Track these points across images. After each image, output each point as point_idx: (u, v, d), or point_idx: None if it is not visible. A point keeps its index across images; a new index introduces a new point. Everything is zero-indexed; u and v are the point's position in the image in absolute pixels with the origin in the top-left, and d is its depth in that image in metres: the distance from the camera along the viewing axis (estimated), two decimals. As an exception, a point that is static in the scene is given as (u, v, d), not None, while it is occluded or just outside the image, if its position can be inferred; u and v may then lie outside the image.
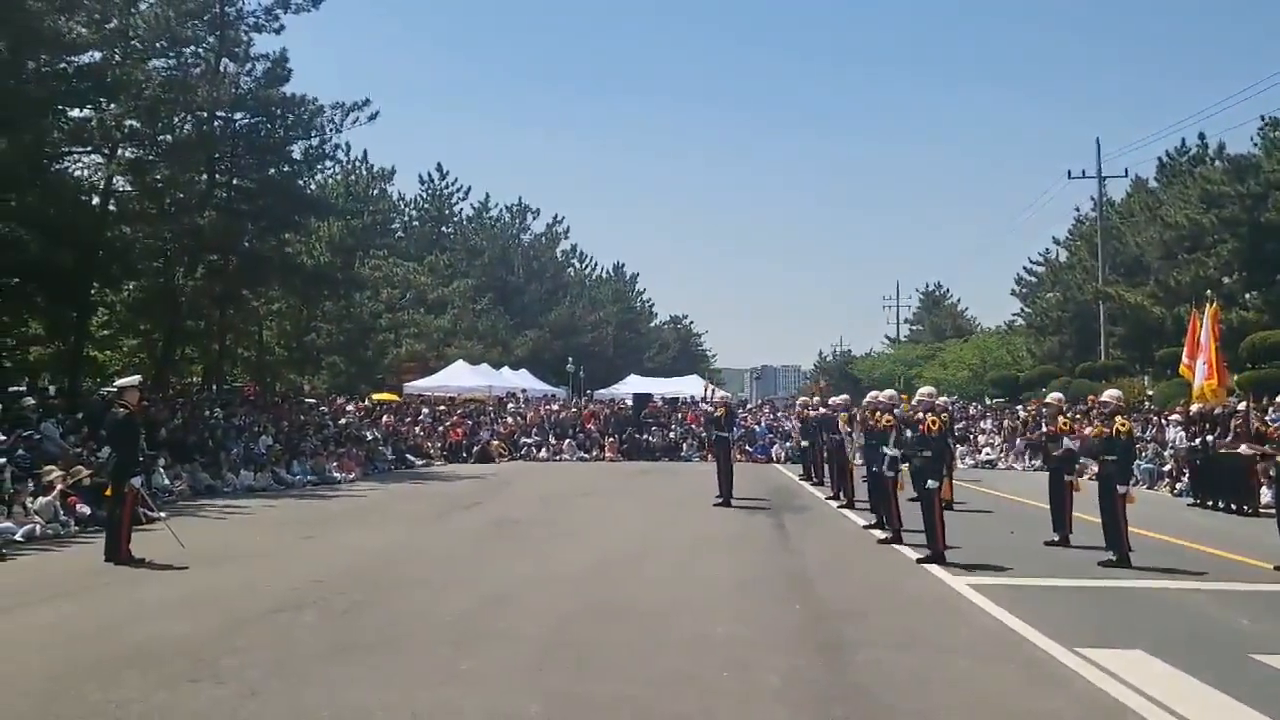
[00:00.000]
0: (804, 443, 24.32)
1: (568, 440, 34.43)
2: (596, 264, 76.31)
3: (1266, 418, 21.02)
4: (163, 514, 14.48)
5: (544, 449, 33.88)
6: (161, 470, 19.02)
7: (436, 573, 11.11)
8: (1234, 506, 18.32)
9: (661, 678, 6.83)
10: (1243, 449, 17.71)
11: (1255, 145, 36.52)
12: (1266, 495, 16.87)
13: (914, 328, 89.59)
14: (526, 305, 61.90)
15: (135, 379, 12.96)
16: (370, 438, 29.24)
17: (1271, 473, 12.10)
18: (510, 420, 36.10)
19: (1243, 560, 12.16)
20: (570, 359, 53.16)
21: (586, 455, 33.79)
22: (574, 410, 38.55)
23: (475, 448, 32.47)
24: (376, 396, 37.89)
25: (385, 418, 33.05)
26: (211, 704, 6.21)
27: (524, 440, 34.40)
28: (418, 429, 33.19)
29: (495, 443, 33.18)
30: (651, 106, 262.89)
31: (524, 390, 42.73)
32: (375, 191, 48.69)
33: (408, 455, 29.94)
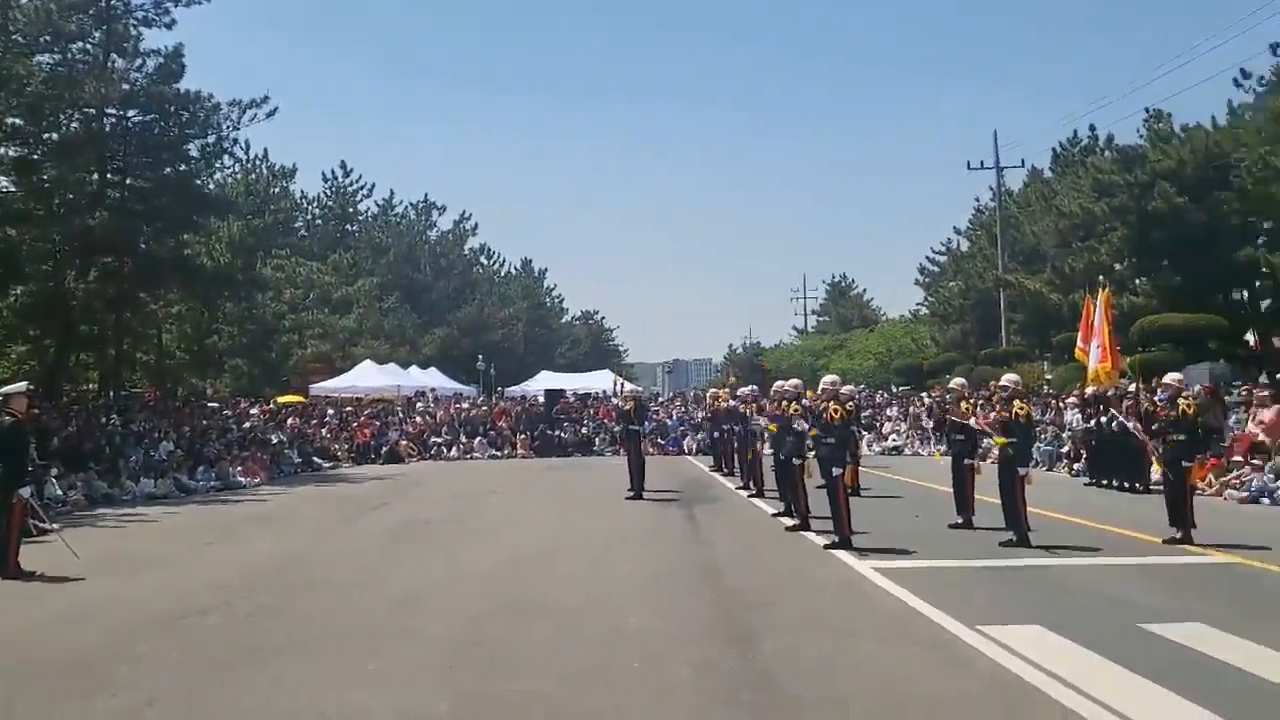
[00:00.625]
0: (715, 434, 24.50)
1: (479, 439, 34.20)
2: (505, 260, 75.97)
3: (1155, 398, 21.75)
4: (55, 525, 13.98)
5: (454, 448, 33.59)
6: (54, 480, 18.40)
7: (344, 575, 10.94)
8: (1127, 484, 19.00)
9: (574, 674, 6.82)
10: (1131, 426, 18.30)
11: (1141, 136, 37.81)
12: (1156, 473, 17.49)
13: (821, 319, 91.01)
14: (434, 303, 61.26)
15: (22, 385, 12.48)
16: (275, 441, 28.67)
17: (1160, 451, 12.54)
18: (419, 420, 35.71)
19: (1134, 535, 12.61)
20: (480, 356, 52.77)
21: (498, 453, 33.60)
22: (485, 408, 38.30)
23: (384, 448, 32.06)
24: (281, 399, 37.13)
25: (291, 420, 32.44)
26: (108, 716, 6.03)
27: (434, 440, 34.06)
28: (324, 431, 32.64)
29: (404, 443, 32.81)
30: (557, 100, 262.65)
31: (433, 389, 42.29)
32: (276, 190, 47.70)
33: (314, 458, 29.43)
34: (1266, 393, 20.46)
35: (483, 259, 71.29)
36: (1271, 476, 16.86)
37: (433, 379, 45.18)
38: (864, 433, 29.68)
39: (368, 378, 41.13)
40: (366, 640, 7.81)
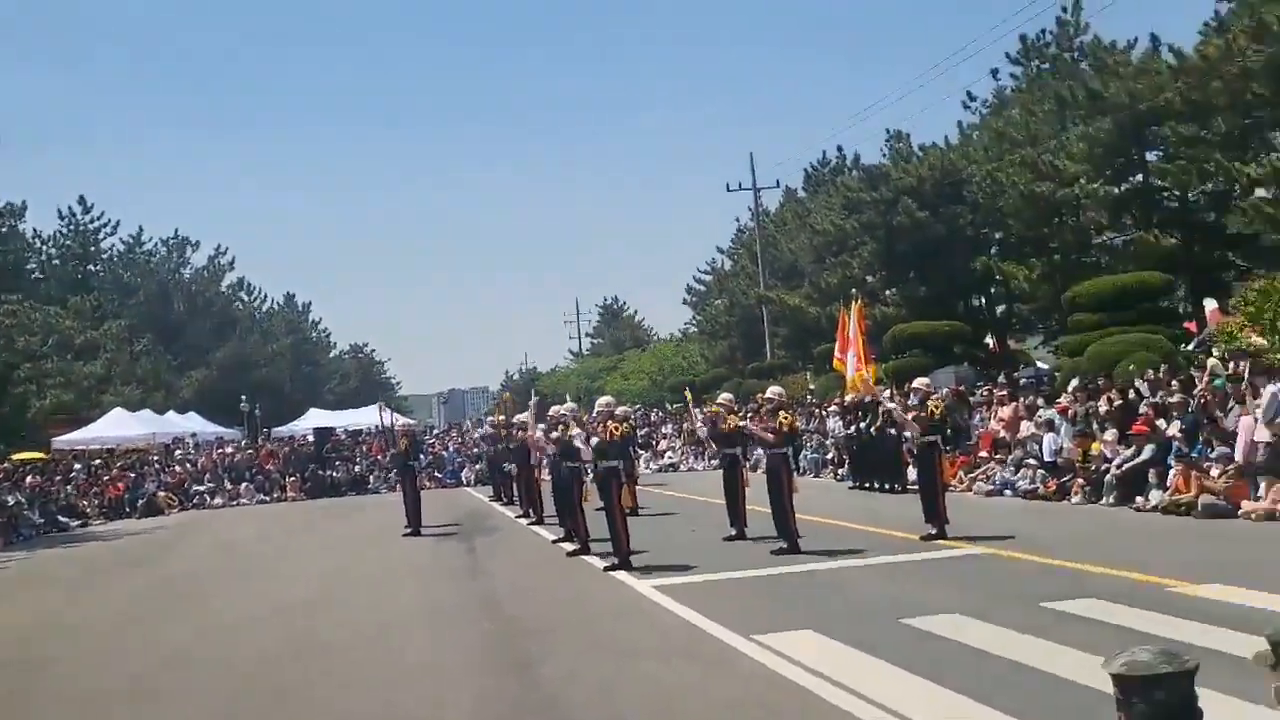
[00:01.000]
0: (508, 465, 24.04)
1: (245, 484, 32.57)
2: (267, 296, 72.83)
3: (907, 402, 23.07)
4: None
5: (219, 495, 31.85)
6: None
7: (100, 639, 10.16)
8: (887, 486, 20.03)
9: (351, 715, 6.57)
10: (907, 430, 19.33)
11: (884, 156, 40.25)
12: (913, 474, 18.52)
13: (595, 341, 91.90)
14: (191, 344, 58.06)
15: None
16: (13, 502, 26.32)
17: (914, 453, 13.30)
18: (179, 468, 33.68)
19: (895, 534, 13.26)
20: (244, 397, 50.30)
21: (267, 498, 32.10)
22: (250, 451, 36.54)
23: (140, 501, 30.02)
24: (18, 456, 34.13)
25: (30, 478, 29.87)
26: None
27: (196, 488, 32.18)
28: (70, 487, 30.23)
29: (163, 494, 30.82)
30: (314, 128, 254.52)
31: (194, 434, 40.00)
32: (4, 230, 44.06)
33: (59, 517, 27.22)
34: (1005, 392, 22.06)
35: (242, 295, 68.18)
36: (1012, 470, 18.14)
37: (193, 424, 42.73)
38: (641, 451, 30.11)
39: (119, 426, 38.42)
40: (131, 704, 7.26)
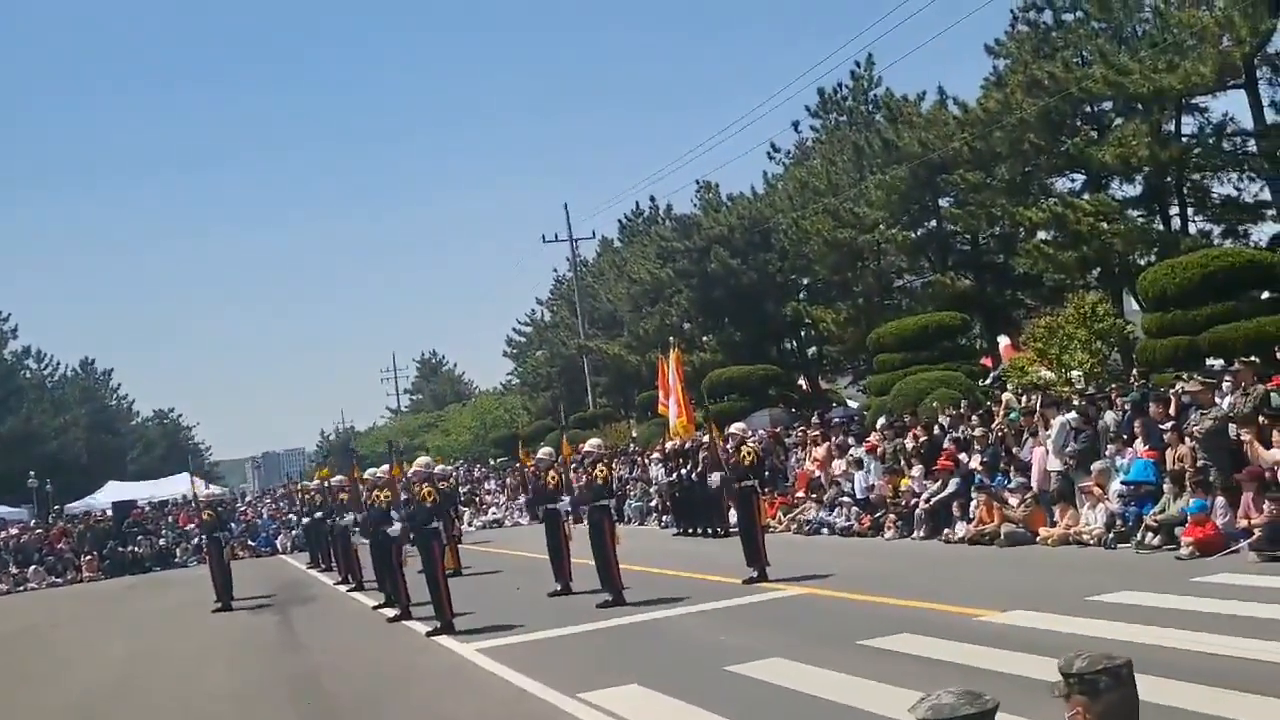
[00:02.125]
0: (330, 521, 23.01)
1: (34, 566, 30.25)
2: (59, 363, 68.44)
3: (727, 445, 23.49)
4: None
5: (2, 581, 29.46)
6: None
7: None
8: (710, 530, 20.26)
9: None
10: (711, 479, 19.60)
11: (695, 205, 41.26)
12: (734, 517, 18.82)
13: (414, 397, 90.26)
14: (-29, 417, 53.95)
15: None
16: None
17: (735, 497, 13.50)
18: (-41, 552, 31.04)
19: (718, 579, 13.37)
20: (32, 473, 46.92)
21: (60, 580, 29.88)
22: (40, 531, 34.05)
23: (-86, 591, 27.52)
24: None
25: None
26: None
27: (-21, 573, 29.70)
28: None
29: (-60, 581, 28.33)
30: (102, 186, 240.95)
31: (-24, 515, 37.07)
32: None
33: None
34: (818, 432, 22.71)
35: (29, 363, 63.90)
36: (827, 508, 18.64)
37: (-26, 504, 39.63)
38: (464, 509, 29.59)
39: (-112, 511, 35.31)
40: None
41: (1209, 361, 17.64)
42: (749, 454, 13.38)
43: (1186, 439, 12.49)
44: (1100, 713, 2.83)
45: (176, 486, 42.82)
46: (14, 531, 33.55)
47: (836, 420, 25.06)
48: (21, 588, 28.95)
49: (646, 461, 28.03)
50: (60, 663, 13.66)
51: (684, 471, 21.63)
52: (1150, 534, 11.95)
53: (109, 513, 35.68)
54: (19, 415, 55.63)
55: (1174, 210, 25.07)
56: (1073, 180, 26.89)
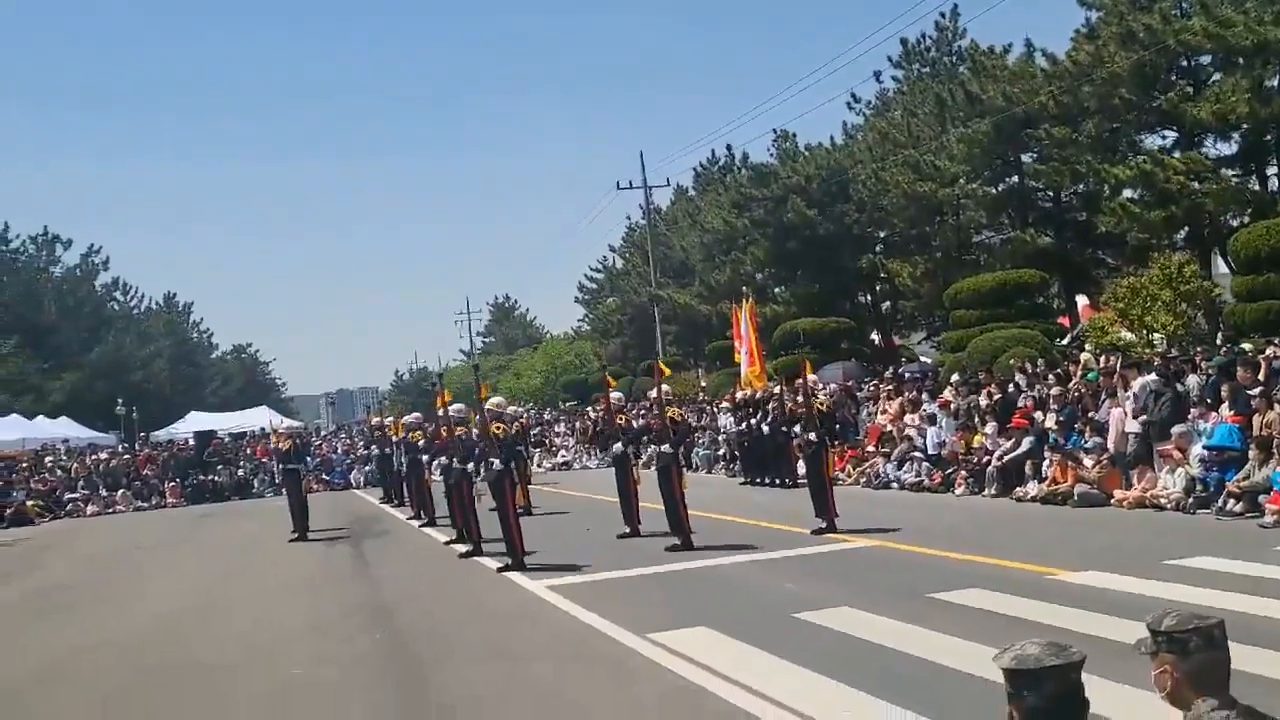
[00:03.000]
0: (403, 464, 23.38)
1: (122, 490, 31.33)
2: (145, 295, 70.27)
3: (797, 398, 23.42)
4: None
5: (93, 503, 30.59)
6: None
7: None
8: (778, 480, 20.28)
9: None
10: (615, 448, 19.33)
11: (771, 155, 40.80)
12: (803, 469, 18.80)
13: (487, 339, 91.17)
14: (62, 346, 55.63)
15: None
16: None
17: (804, 449, 13.48)
18: (50, 475, 32.24)
19: (785, 529, 13.41)
20: (120, 400, 48.45)
21: (145, 505, 30.92)
22: (127, 456, 35.19)
23: (7, 510, 28.64)
24: (-126, 465, 32.33)
25: (-113, 488, 28.31)
26: None
27: (69, 496, 30.85)
28: (-69, 498, 28.70)
29: (31, 503, 29.45)
30: (192, 122, 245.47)
31: (65, 440, 38.39)
32: None
33: (-81, 530, 25.81)
34: (890, 387, 22.54)
35: (118, 295, 65.68)
36: (896, 463, 18.53)
37: (65, 429, 41.03)
38: (534, 451, 29.92)
39: (-16, 432, 36.69)
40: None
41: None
42: (822, 405, 13.29)
43: (1276, 405, 12.16)
44: (1188, 673, 2.77)
45: (254, 419, 43.95)
46: (104, 456, 34.73)
47: (909, 375, 24.84)
48: (110, 510, 30.04)
49: (715, 410, 28.07)
50: (146, 584, 14.17)
51: (753, 421, 21.62)
52: (1232, 500, 11.70)
53: (191, 442, 36.73)
54: (108, 344, 57.32)
55: (1271, 170, 24.22)
56: (1163, 137, 26.09)
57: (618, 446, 14.21)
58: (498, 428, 12.20)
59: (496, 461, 12.02)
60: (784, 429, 18.17)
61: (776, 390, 20.30)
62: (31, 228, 75.54)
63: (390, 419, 23.77)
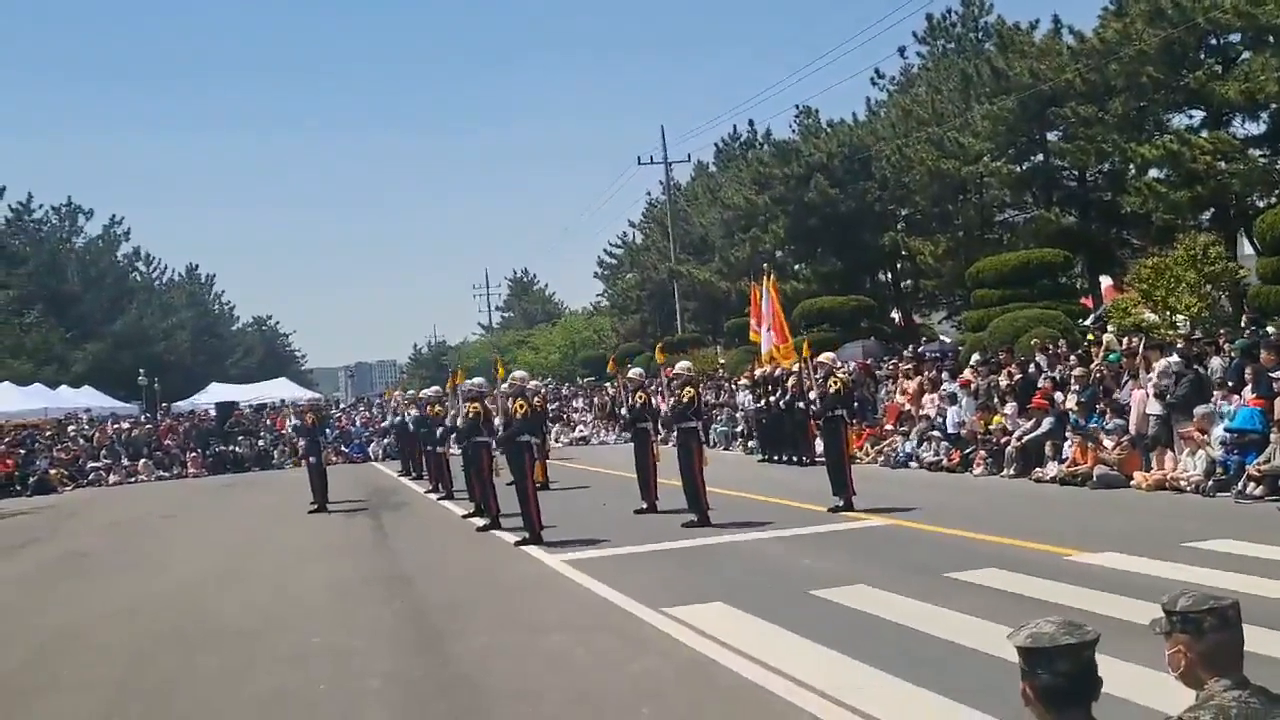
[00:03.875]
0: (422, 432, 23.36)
1: (143, 460, 31.63)
2: (167, 267, 70.70)
3: (815, 376, 23.37)
4: None
5: (115, 472, 30.90)
6: None
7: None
8: (795, 458, 20.28)
9: (253, 701, 6.44)
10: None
11: (794, 131, 40.54)
12: (820, 446, 18.79)
13: (505, 314, 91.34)
14: (85, 315, 56.09)
15: None
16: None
17: (821, 426, 13.47)
18: (73, 444, 32.57)
19: (802, 506, 13.42)
20: (142, 371, 48.84)
21: (167, 474, 31.23)
22: (149, 426, 35.50)
23: (31, 478, 28.97)
24: (-99, 431, 32.73)
25: (-86, 455, 28.66)
26: None
27: (91, 465, 31.17)
28: (-44, 464, 29.04)
29: (55, 471, 29.77)
30: (213, 94, 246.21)
31: (88, 409, 38.74)
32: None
33: (-54, 495, 26.15)
34: (910, 366, 22.46)
35: (140, 266, 66.10)
36: (915, 442, 18.50)
37: (87, 398, 41.40)
38: (552, 426, 30.02)
39: (9, 401, 37.00)
40: (10, 697, 6.97)
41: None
42: (839, 383, 13.26)
43: (1299, 389, 12.08)
44: (1202, 653, 2.78)
45: (275, 391, 44.23)
46: (126, 425, 35.04)
47: (929, 354, 24.74)
48: (132, 479, 30.36)
49: (734, 387, 28.05)
50: (169, 551, 14.34)
51: (771, 399, 21.59)
52: (1253, 484, 11.64)
53: (212, 413, 37.00)
54: (130, 315, 57.72)
55: (1300, 150, 23.89)
56: (1191, 116, 25.73)
57: (636, 421, 14.20)
58: (519, 404, 12.22)
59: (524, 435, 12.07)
60: (801, 405, 18.16)
61: (797, 368, 20.25)
62: (55, 198, 75.98)
63: (411, 392, 23.78)
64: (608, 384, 39.58)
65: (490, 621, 8.13)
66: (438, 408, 18.22)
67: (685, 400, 12.84)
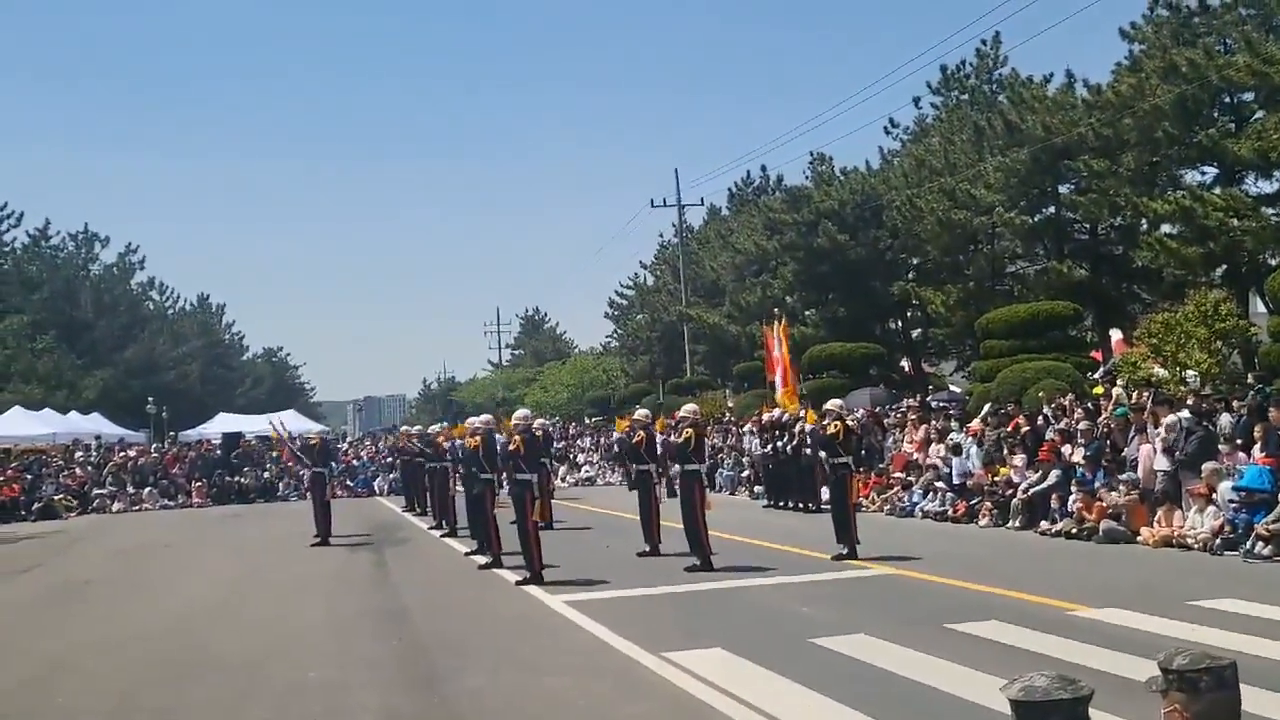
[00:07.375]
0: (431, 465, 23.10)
1: (149, 488, 31.63)
2: (179, 296, 71.08)
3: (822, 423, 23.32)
4: None
5: (120, 499, 30.89)
6: None
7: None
8: (801, 505, 20.19)
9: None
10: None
11: (806, 177, 40.77)
12: (826, 494, 18.72)
13: (515, 352, 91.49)
14: (97, 342, 56.31)
15: None
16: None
17: (828, 473, 13.44)
18: (79, 470, 32.58)
19: (806, 553, 13.35)
20: (151, 399, 48.98)
21: (171, 503, 31.22)
22: (155, 455, 35.53)
23: (36, 504, 28.94)
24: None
25: (-79, 477, 28.68)
26: None
27: (96, 491, 31.16)
28: (-38, 487, 29.03)
29: (60, 497, 29.76)
30: (231, 125, 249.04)
31: (97, 436, 38.79)
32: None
33: (-50, 518, 26.13)
34: (917, 415, 22.41)
35: (153, 294, 66.45)
36: (921, 492, 18.41)
37: (96, 425, 41.47)
38: (557, 464, 29.98)
39: (17, 425, 37.09)
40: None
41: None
42: (839, 430, 13.21)
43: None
44: (1198, 713, 2.76)
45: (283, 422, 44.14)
46: (133, 453, 35.06)
47: (938, 404, 24.69)
48: (137, 507, 30.33)
49: (740, 431, 27.99)
50: (167, 582, 14.30)
51: (778, 444, 21.53)
52: (1261, 543, 11.54)
53: (218, 443, 37.02)
54: (142, 344, 57.96)
55: (1312, 211, 23.93)
56: (1203, 173, 25.84)
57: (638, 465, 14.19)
58: (520, 441, 12.21)
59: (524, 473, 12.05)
60: (808, 451, 18.09)
61: (803, 414, 20.23)
62: (72, 224, 76.51)
63: (437, 428, 23.45)
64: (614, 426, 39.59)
65: (488, 661, 8.08)
66: (445, 443, 18.21)
67: (683, 440, 12.83)
